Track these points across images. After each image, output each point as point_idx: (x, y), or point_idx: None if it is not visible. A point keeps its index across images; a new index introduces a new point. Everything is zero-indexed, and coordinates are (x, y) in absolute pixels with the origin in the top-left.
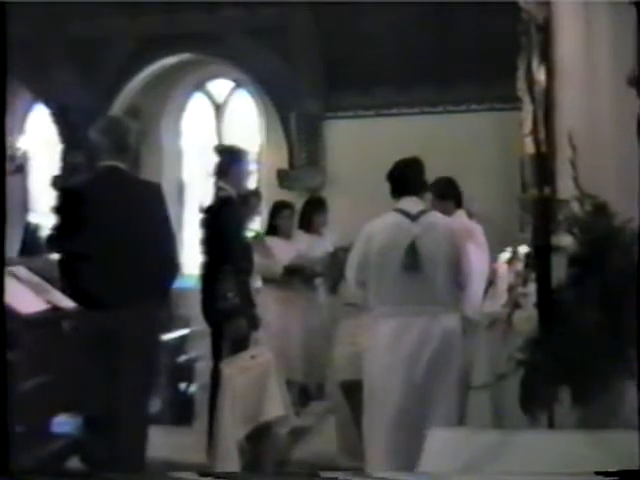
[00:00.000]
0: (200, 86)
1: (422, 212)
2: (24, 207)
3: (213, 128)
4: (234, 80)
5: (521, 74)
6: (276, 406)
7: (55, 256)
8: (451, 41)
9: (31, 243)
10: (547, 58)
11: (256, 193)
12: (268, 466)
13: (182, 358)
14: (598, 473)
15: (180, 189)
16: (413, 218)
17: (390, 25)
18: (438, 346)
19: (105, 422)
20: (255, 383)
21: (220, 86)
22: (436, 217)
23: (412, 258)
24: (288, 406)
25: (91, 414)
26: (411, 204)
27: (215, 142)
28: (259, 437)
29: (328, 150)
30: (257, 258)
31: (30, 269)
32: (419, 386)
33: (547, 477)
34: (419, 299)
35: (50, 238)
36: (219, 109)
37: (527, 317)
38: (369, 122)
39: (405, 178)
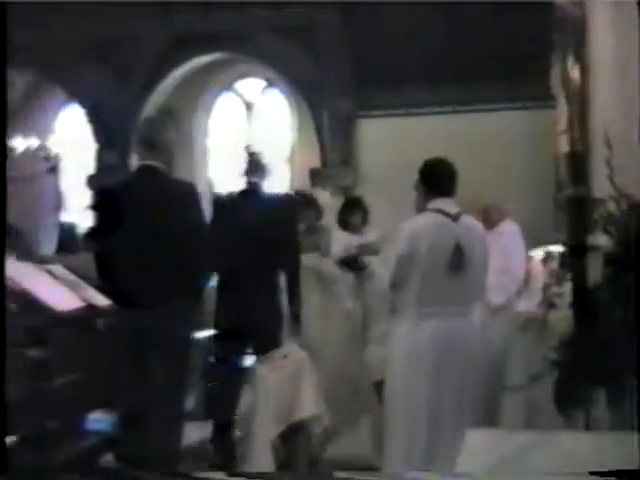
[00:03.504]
0: (231, 85)
1: (459, 214)
2: (58, 207)
3: (244, 127)
4: (266, 79)
5: (555, 72)
6: (309, 405)
7: (91, 254)
8: (482, 40)
9: (66, 242)
10: (581, 56)
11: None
12: (301, 465)
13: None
14: (597, 473)
15: (210, 188)
16: (454, 218)
17: (420, 24)
18: (473, 347)
19: (139, 419)
20: (288, 382)
21: (251, 85)
22: (470, 219)
23: (458, 258)
24: (322, 405)
25: (125, 411)
26: (448, 205)
27: (246, 141)
28: (292, 436)
29: (360, 148)
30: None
31: (66, 267)
32: (454, 386)
33: (547, 477)
34: (459, 300)
35: (87, 237)
36: (250, 108)
37: (562, 317)
38: (400, 121)
39: (442, 180)
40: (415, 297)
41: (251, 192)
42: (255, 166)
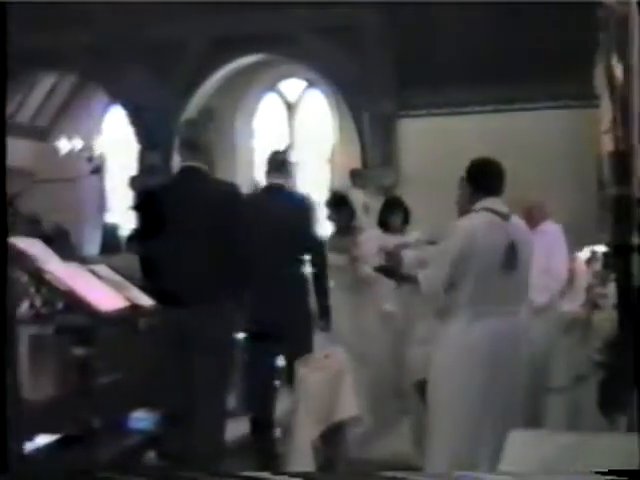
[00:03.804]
0: (273, 86)
1: (509, 213)
2: (102, 207)
3: (286, 127)
4: (307, 80)
5: (599, 71)
6: (350, 406)
7: (134, 255)
8: (524, 39)
9: (110, 242)
10: (626, 55)
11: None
12: (341, 466)
13: None
14: (598, 473)
15: (256, 188)
16: (505, 218)
17: (462, 24)
18: (522, 346)
19: (182, 418)
20: (329, 382)
21: (293, 86)
22: (517, 219)
23: (511, 257)
24: (362, 406)
25: (168, 410)
26: (498, 204)
27: (288, 141)
28: (333, 436)
29: (401, 149)
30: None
31: (110, 267)
32: (503, 386)
33: (547, 477)
34: (510, 299)
35: (130, 238)
36: (292, 108)
37: (606, 318)
38: (442, 120)
39: (491, 179)
40: (468, 297)
41: (275, 191)
42: (277, 166)
